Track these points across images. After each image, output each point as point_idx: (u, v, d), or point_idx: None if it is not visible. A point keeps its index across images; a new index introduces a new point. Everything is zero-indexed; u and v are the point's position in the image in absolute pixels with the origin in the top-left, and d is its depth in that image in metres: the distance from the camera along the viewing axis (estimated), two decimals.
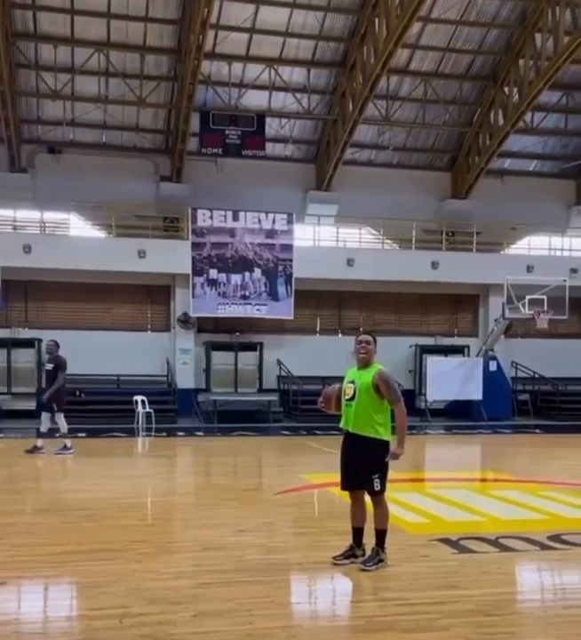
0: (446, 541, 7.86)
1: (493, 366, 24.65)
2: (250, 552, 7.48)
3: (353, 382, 7.02)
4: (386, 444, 6.95)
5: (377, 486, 6.90)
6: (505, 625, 5.47)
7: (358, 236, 27.11)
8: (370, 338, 7.15)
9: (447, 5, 23.41)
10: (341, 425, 7.15)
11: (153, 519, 9.69)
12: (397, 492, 11.10)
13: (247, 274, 24.19)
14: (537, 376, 26.15)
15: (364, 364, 7.07)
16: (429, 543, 7.84)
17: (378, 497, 6.98)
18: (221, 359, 24.56)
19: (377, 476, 6.90)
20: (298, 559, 7.31)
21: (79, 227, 25.53)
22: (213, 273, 23.96)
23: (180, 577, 6.64)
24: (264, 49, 24.26)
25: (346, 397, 7.04)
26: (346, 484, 7.17)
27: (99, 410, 22.42)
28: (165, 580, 6.53)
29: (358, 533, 7.17)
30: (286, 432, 21.04)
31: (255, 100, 25.35)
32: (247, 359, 24.94)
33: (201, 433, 20.79)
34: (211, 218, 23.92)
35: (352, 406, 6.96)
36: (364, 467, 6.92)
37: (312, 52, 24.64)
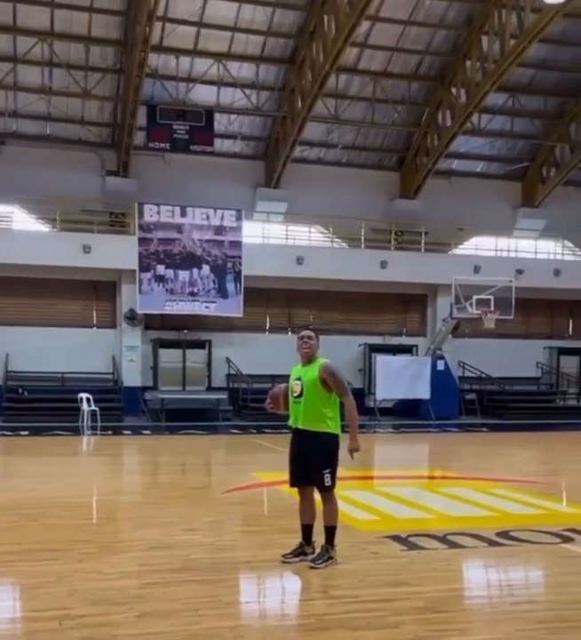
0: (395, 538, 7.82)
1: (441, 366, 24.82)
2: (198, 551, 7.33)
3: (299, 379, 6.95)
4: (337, 437, 6.89)
5: (327, 481, 6.82)
6: (454, 622, 5.43)
7: (307, 235, 27.05)
8: (311, 333, 7.07)
9: (395, 5, 23.42)
10: (290, 423, 7.06)
11: (97, 518, 9.49)
12: (347, 489, 11.05)
13: (195, 270, 23.95)
14: (483, 376, 26.44)
15: (308, 359, 7.00)
16: (379, 540, 7.79)
17: (327, 493, 6.89)
18: (169, 357, 24.25)
19: (327, 471, 6.82)
20: (246, 558, 7.19)
21: (22, 220, 24.97)
22: (160, 269, 23.66)
23: (125, 577, 6.47)
24: (212, 43, 23.97)
25: (294, 395, 6.96)
26: (295, 481, 7.07)
27: (42, 408, 21.99)
28: (109, 580, 6.35)
29: (307, 531, 7.08)
30: (235, 430, 20.95)
31: (203, 95, 25.06)
32: (195, 357, 24.67)
33: (148, 431, 20.53)
34: (159, 213, 23.64)
35: (300, 403, 6.89)
36: (315, 462, 6.84)
37: (261, 48, 24.43)
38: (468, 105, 24.37)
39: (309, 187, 26.40)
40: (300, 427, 6.91)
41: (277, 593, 6.40)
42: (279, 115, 25.71)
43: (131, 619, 5.39)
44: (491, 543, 7.75)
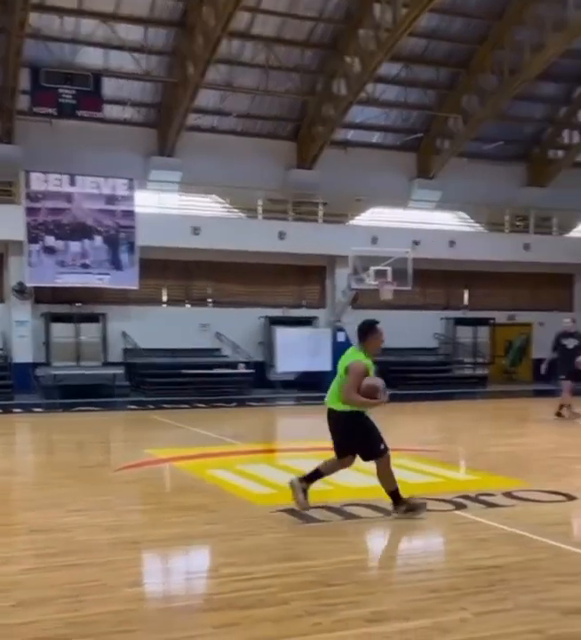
0: (292, 512, 7.65)
1: (341, 337, 24.89)
2: (83, 533, 6.97)
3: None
4: None
5: None
6: (345, 595, 5.26)
7: (204, 205, 26.52)
8: None
9: None
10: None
11: None
12: (245, 464, 10.95)
13: (87, 241, 23.21)
14: (383, 346, 26.59)
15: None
16: (274, 514, 7.63)
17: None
18: (61, 331, 23.48)
19: None
20: (135, 538, 6.88)
21: None
22: (50, 240, 22.80)
23: (1, 564, 6.05)
24: (97, 3, 22.89)
25: None
26: None
27: None
28: None
29: None
30: (133, 406, 20.57)
31: (91, 58, 24.06)
32: (89, 331, 23.98)
33: (40, 409, 19.85)
34: (47, 182, 22.77)
35: None
36: None
37: (149, 9, 23.49)
38: (362, 74, 24.30)
39: (204, 156, 25.82)
40: None
41: (165, 574, 6.14)
42: (170, 80, 24.94)
43: (6, 608, 5.05)
44: (387, 513, 7.66)
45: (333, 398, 7.54)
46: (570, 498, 8.38)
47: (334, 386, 7.61)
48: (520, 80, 25.24)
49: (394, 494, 7.40)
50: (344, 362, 7.59)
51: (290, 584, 5.46)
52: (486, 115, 26.90)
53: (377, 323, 7.57)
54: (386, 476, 7.42)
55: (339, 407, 7.42)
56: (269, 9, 24.20)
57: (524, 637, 4.51)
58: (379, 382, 7.39)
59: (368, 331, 7.45)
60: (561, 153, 30.66)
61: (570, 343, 16.33)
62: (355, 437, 7.46)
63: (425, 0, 21.18)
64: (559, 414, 16.31)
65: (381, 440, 7.41)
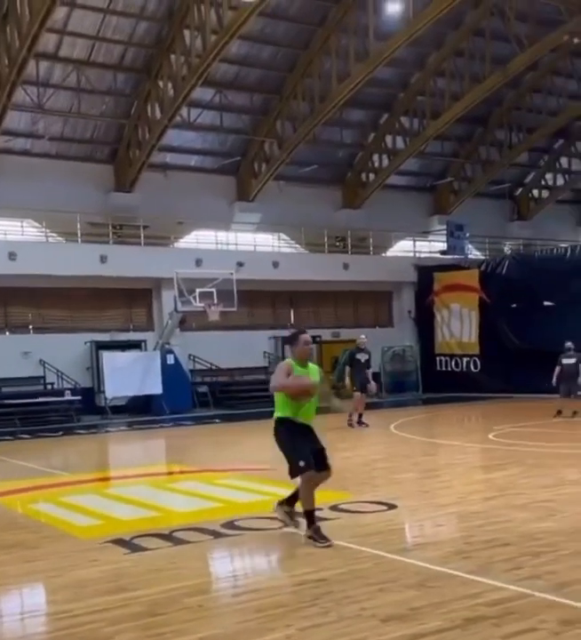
0: (119, 542, 7.50)
1: (171, 360, 24.80)
2: None
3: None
4: None
5: None
6: (173, 623, 5.18)
7: (20, 229, 25.61)
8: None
9: None
10: (301, 420, 7.35)
11: None
12: (71, 495, 10.61)
13: None
14: (214, 367, 26.72)
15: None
16: (100, 546, 7.43)
17: None
18: None
19: None
20: None
21: None
22: None
23: None
24: None
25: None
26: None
27: None
28: None
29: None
30: None
31: None
32: None
33: None
34: None
35: (312, 402, 7.39)
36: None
37: None
38: (176, 98, 24.46)
39: (18, 179, 24.91)
40: (310, 422, 7.46)
41: None
42: None
43: None
44: (216, 535, 7.67)
45: None
46: (391, 507, 8.71)
47: None
48: (329, 107, 26.33)
49: (308, 515, 7.24)
50: None
51: (115, 617, 5.32)
52: (299, 139, 27.71)
53: (301, 332, 7.59)
54: (302, 495, 7.29)
55: (274, 416, 7.44)
56: (77, 31, 23.81)
57: None
58: (305, 379, 7.33)
59: (291, 340, 7.62)
60: (372, 176, 31.92)
61: (362, 357, 17.96)
62: (279, 446, 7.42)
63: (233, 28, 21.68)
64: (351, 424, 17.65)
65: (303, 457, 7.14)
